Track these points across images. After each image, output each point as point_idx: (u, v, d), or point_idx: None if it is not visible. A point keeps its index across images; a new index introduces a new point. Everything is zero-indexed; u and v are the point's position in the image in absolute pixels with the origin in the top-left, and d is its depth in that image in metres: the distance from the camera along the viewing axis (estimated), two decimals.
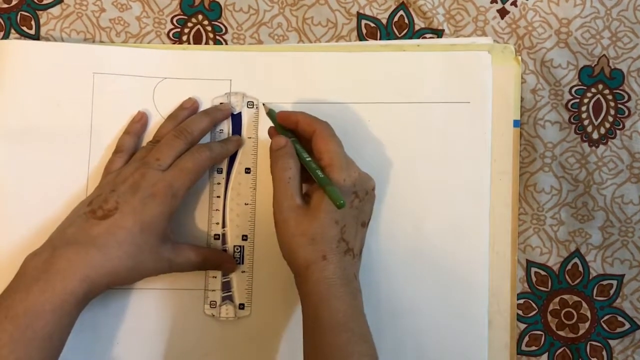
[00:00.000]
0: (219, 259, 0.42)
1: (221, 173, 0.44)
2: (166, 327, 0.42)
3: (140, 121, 0.43)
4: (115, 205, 0.37)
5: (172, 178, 0.39)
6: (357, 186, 0.39)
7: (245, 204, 0.43)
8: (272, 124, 0.42)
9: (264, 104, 0.43)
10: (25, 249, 0.37)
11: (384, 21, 0.46)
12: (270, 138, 0.42)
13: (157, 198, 0.38)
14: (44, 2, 0.45)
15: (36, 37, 0.45)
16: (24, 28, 0.45)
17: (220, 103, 0.44)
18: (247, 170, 0.44)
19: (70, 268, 0.35)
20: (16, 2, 0.45)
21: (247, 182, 0.44)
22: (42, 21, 0.45)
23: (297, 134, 0.41)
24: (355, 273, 0.38)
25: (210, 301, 0.43)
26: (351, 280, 0.37)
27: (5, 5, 0.45)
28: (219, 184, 0.44)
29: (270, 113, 0.42)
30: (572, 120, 0.45)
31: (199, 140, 0.42)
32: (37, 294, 0.34)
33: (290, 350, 0.43)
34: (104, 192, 0.38)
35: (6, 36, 0.45)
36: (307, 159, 0.39)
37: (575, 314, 0.45)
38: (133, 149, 0.42)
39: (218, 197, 0.43)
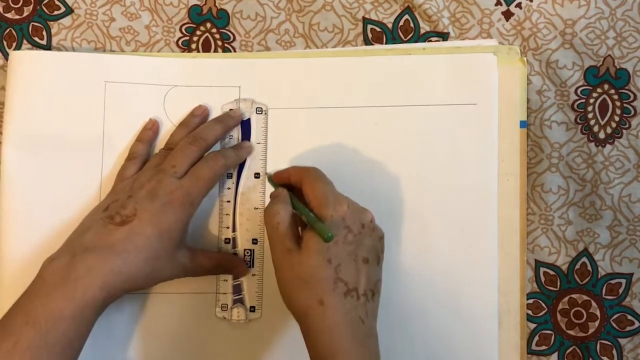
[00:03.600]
0: (231, 263, 0.43)
1: (231, 178, 0.44)
2: (179, 330, 0.43)
3: (152, 128, 0.44)
4: (134, 212, 0.37)
5: (189, 186, 0.39)
6: (348, 220, 0.36)
7: (254, 208, 0.44)
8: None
9: (267, 174, 0.44)
10: (40, 253, 0.38)
11: (390, 25, 0.46)
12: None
13: (175, 205, 0.38)
14: (55, 13, 0.46)
15: (48, 47, 0.46)
16: (36, 38, 0.46)
17: (230, 109, 0.45)
18: (257, 175, 0.44)
19: (90, 274, 0.35)
20: (28, 13, 0.46)
21: (256, 187, 0.44)
22: (53, 31, 0.46)
23: (293, 188, 0.40)
24: (362, 316, 0.35)
25: (222, 304, 0.43)
26: (357, 325, 0.35)
27: (17, 17, 0.46)
28: (229, 188, 0.44)
29: (269, 178, 0.43)
30: (578, 120, 0.46)
31: (212, 147, 0.43)
32: (58, 300, 0.34)
33: (301, 352, 0.42)
34: (121, 197, 0.39)
35: (18, 47, 0.46)
36: (299, 205, 0.38)
37: (584, 313, 0.45)
38: (146, 155, 0.43)
39: (228, 201, 0.44)
